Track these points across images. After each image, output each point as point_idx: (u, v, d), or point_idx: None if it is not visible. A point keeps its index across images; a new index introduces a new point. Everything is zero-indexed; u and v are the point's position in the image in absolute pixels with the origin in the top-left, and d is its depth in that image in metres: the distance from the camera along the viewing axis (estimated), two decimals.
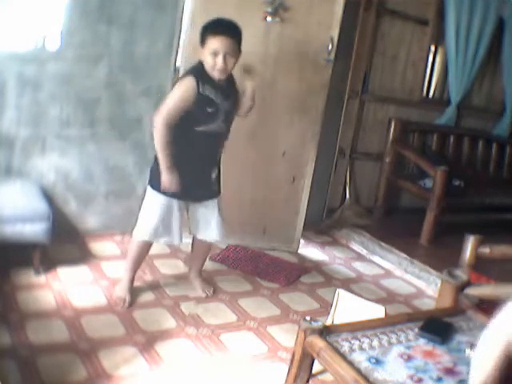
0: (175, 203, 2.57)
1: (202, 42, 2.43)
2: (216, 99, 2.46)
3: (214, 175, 2.67)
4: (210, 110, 2.45)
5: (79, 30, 3.01)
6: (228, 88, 2.54)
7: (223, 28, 2.43)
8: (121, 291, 2.67)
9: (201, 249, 2.86)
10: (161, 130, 2.40)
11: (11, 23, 2.85)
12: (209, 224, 2.72)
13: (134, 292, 2.72)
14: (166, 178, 2.45)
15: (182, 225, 2.65)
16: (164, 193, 2.52)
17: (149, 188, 2.59)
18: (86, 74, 3.09)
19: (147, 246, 2.67)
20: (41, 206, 2.74)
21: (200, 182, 2.62)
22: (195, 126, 2.47)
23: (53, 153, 3.13)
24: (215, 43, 2.38)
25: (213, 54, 2.38)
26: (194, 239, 2.83)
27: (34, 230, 2.67)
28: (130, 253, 2.69)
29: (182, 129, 2.46)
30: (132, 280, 2.72)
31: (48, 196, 3.05)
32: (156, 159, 2.53)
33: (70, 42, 3.01)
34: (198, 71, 2.45)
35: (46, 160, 3.12)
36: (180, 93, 2.42)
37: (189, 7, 3.17)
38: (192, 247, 2.90)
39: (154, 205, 2.57)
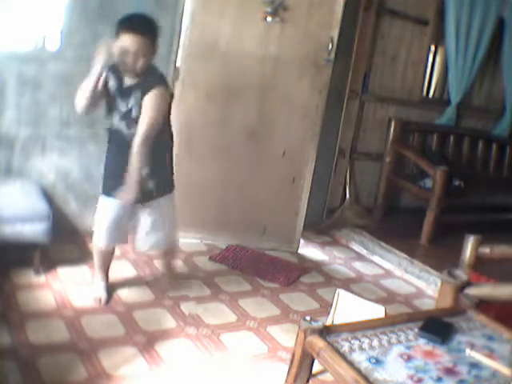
0: (122, 206, 2.46)
1: (116, 36, 2.28)
2: (112, 88, 2.39)
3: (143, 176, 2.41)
4: (110, 94, 2.40)
5: (79, 30, 3.02)
6: (132, 88, 2.36)
7: (136, 25, 2.28)
8: (96, 291, 2.65)
9: (162, 258, 2.87)
10: None
11: (11, 23, 2.85)
12: (148, 230, 2.57)
13: (111, 289, 2.71)
14: None
15: (127, 228, 2.60)
16: (107, 194, 2.48)
17: (101, 195, 2.55)
18: (86, 74, 3.07)
19: (107, 250, 2.63)
20: (41, 206, 2.74)
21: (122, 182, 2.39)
22: (110, 113, 2.45)
23: (53, 153, 3.13)
24: (126, 41, 2.25)
25: (121, 52, 2.26)
26: None
27: (34, 230, 2.67)
28: (94, 257, 2.67)
29: (105, 112, 2.49)
30: (105, 279, 2.69)
31: (48, 196, 3.05)
32: (105, 163, 2.55)
33: (69, 42, 3.01)
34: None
35: (46, 160, 3.13)
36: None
37: (189, 7, 3.18)
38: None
39: (103, 211, 2.53)
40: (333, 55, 3.40)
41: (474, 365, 1.58)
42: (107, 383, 2.06)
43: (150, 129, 2.32)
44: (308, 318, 1.63)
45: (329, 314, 2.47)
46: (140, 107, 2.34)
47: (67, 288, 2.70)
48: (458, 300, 1.97)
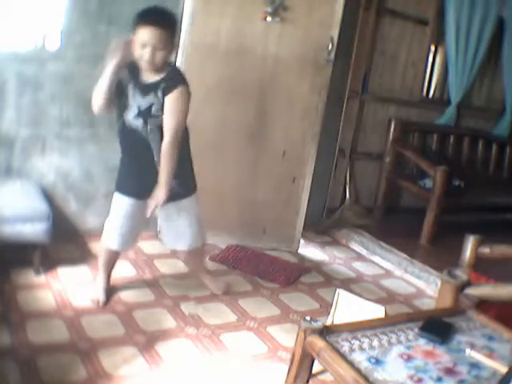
0: (136, 205, 2.47)
1: (134, 30, 2.26)
2: (127, 87, 2.34)
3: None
4: (120, 96, 2.35)
5: (79, 30, 3.02)
6: (154, 85, 2.32)
7: (154, 18, 2.26)
8: (95, 292, 2.63)
9: (190, 257, 2.81)
10: None
11: (11, 23, 2.85)
12: (177, 230, 2.61)
13: (111, 292, 2.69)
14: None
15: (138, 232, 2.61)
16: (122, 192, 2.48)
17: (115, 192, 2.53)
18: (85, 74, 3.09)
19: (115, 252, 2.61)
20: (41, 206, 2.74)
21: (147, 182, 2.41)
22: (121, 114, 2.38)
23: (53, 153, 3.13)
24: (144, 34, 2.22)
25: (140, 46, 2.23)
26: None
27: (34, 229, 2.67)
28: (100, 257, 2.67)
29: (117, 114, 2.42)
30: (107, 281, 2.67)
31: (48, 196, 3.05)
32: (120, 162, 2.53)
33: (69, 42, 3.01)
34: (134, 63, 2.35)
35: (46, 160, 3.13)
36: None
37: (189, 7, 3.18)
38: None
39: (117, 209, 2.51)
40: (333, 55, 3.40)
41: (474, 365, 1.58)
42: (107, 383, 2.06)
43: (178, 129, 2.35)
44: (308, 318, 1.63)
45: (329, 314, 2.47)
46: (161, 105, 2.32)
47: (67, 288, 2.69)
48: (458, 300, 1.97)
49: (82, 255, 3.07)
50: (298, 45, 3.36)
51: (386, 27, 4.18)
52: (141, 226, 2.60)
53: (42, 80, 3.00)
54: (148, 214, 2.41)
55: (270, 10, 3.26)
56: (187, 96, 2.37)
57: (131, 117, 2.36)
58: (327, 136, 3.85)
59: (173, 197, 2.46)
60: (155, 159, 2.40)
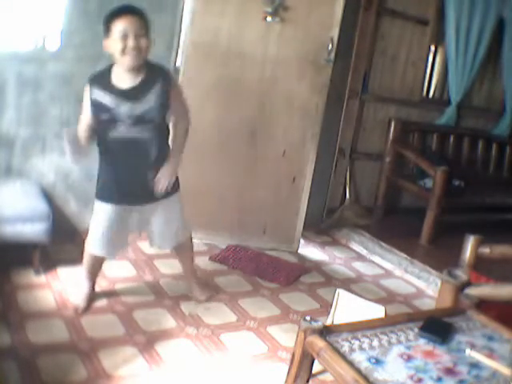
0: (121, 210, 2.42)
1: (108, 30, 2.21)
2: (110, 104, 2.25)
3: (151, 177, 2.42)
4: (104, 116, 2.27)
5: (79, 30, 3.02)
6: (140, 88, 2.28)
7: (128, 8, 2.24)
8: (77, 298, 2.58)
9: (180, 255, 2.77)
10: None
11: (11, 23, 2.85)
12: (162, 230, 2.56)
13: (93, 298, 2.63)
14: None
15: (122, 239, 2.54)
16: (106, 200, 2.40)
17: (95, 200, 2.46)
18: (85, 73, 3.06)
19: (100, 258, 2.56)
20: (41, 206, 2.74)
21: (135, 185, 2.41)
22: (108, 132, 2.32)
23: (53, 153, 3.13)
24: (122, 23, 2.17)
25: (122, 38, 2.17)
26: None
27: (34, 230, 2.67)
28: (84, 263, 2.60)
29: (99, 135, 2.35)
30: (91, 288, 2.62)
31: (48, 196, 3.05)
32: (99, 170, 2.47)
33: (69, 42, 3.01)
34: (97, 75, 2.33)
35: (46, 160, 3.13)
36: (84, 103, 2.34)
37: (189, 7, 3.18)
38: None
39: (100, 217, 2.43)
40: (333, 55, 3.40)
41: (474, 365, 1.58)
42: (107, 383, 2.06)
43: (188, 114, 2.52)
44: (308, 317, 1.63)
45: (329, 313, 2.47)
46: (162, 103, 2.32)
47: (67, 288, 2.69)
48: (458, 300, 1.97)
49: (81, 255, 3.05)
50: (298, 45, 3.36)
51: (386, 27, 4.17)
52: (129, 229, 2.53)
53: (42, 80, 3.00)
54: (159, 188, 2.42)
55: (270, 9, 3.26)
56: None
57: (124, 128, 2.30)
58: (327, 136, 3.85)
59: (163, 194, 2.45)
60: (152, 158, 2.38)
